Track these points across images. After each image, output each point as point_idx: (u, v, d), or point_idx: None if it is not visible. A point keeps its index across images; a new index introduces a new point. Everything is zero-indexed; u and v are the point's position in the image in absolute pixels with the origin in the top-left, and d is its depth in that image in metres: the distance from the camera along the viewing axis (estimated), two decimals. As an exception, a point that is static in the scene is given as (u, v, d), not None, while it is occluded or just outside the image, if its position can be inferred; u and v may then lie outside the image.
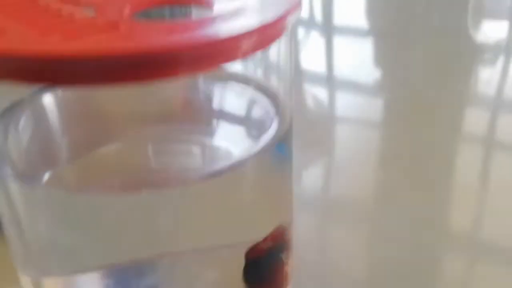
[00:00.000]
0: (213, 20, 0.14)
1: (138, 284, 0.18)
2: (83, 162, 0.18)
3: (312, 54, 0.45)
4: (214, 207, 0.17)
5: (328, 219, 0.27)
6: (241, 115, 0.20)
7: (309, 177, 0.29)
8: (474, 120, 0.35)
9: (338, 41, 0.49)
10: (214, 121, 0.20)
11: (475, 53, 0.45)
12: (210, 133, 0.20)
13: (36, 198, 0.17)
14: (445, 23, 0.49)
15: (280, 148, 0.18)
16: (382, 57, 0.46)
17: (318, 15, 0.54)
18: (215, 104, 0.20)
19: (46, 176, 0.17)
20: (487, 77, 0.41)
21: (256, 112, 0.19)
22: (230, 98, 0.20)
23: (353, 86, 0.40)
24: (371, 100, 0.39)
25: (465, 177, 0.29)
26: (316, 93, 0.40)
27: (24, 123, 0.18)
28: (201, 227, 0.17)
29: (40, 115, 0.19)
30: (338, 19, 0.53)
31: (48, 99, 0.18)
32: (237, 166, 0.17)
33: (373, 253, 0.24)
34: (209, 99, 0.20)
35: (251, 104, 0.20)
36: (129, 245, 0.17)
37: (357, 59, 0.44)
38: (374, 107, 0.37)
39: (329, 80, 0.42)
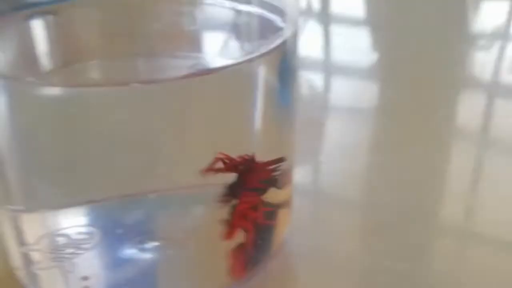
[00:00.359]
0: None
1: (125, 219, 0.17)
2: (69, 69, 0.17)
3: (309, 42, 0.44)
4: (204, 111, 0.16)
5: (320, 202, 0.27)
6: (240, 30, 0.19)
7: (303, 159, 0.29)
8: (470, 107, 0.35)
9: (335, 30, 0.49)
10: (211, 40, 0.19)
11: (472, 39, 0.45)
12: (206, 51, 0.19)
13: (21, 99, 0.16)
14: (442, 10, 0.49)
15: (284, 61, 0.17)
16: (378, 45, 0.45)
17: (316, 4, 0.53)
18: (213, 25, 0.20)
19: (31, 79, 0.17)
20: (483, 62, 0.40)
21: (258, 27, 0.19)
22: (226, 17, 0.20)
23: (349, 73, 0.40)
24: (366, 86, 0.38)
25: (460, 165, 0.29)
26: (312, 79, 0.39)
27: (8, 33, 0.18)
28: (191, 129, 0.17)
29: (26, 29, 0.18)
30: (335, 8, 0.53)
31: (37, 19, 0.18)
32: (230, 70, 0.16)
33: (364, 243, 0.24)
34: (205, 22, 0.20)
35: (251, 20, 0.19)
36: (115, 160, 0.16)
37: (353, 47, 0.44)
38: (369, 93, 0.37)
39: (326, 67, 0.42)
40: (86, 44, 0.18)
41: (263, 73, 0.17)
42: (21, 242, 0.19)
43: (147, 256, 0.18)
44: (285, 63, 0.18)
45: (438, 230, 0.24)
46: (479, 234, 0.24)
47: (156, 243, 0.18)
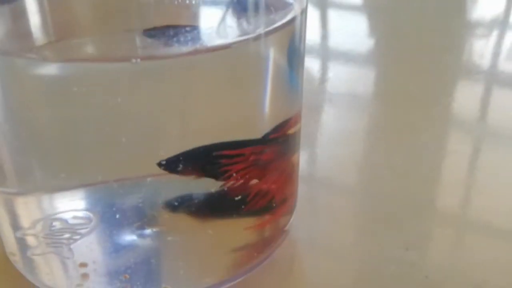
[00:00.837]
0: None
1: (122, 204, 0.16)
2: (65, 43, 0.16)
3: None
4: (209, 89, 0.15)
5: (321, 190, 0.26)
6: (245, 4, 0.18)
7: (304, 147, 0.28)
8: (468, 94, 0.34)
9: (332, 15, 0.49)
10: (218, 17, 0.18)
11: (471, 27, 0.45)
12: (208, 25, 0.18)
13: (13, 75, 0.15)
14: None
15: (293, 39, 0.17)
16: (376, 32, 0.45)
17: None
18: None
19: (25, 52, 0.16)
20: (481, 50, 0.40)
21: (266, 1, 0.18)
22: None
23: (347, 59, 0.39)
24: (364, 72, 0.38)
25: (458, 152, 0.28)
26: (310, 66, 0.39)
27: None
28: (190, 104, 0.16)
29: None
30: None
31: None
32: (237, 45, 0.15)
33: (366, 231, 0.23)
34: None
35: None
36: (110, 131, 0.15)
37: (351, 33, 0.43)
38: (367, 80, 0.36)
39: (323, 53, 0.41)
40: (79, 18, 0.17)
41: (272, 50, 0.16)
42: (16, 226, 0.18)
43: (147, 242, 0.17)
44: (293, 41, 0.17)
45: (439, 218, 0.24)
46: (479, 222, 0.24)
47: (155, 229, 0.17)
